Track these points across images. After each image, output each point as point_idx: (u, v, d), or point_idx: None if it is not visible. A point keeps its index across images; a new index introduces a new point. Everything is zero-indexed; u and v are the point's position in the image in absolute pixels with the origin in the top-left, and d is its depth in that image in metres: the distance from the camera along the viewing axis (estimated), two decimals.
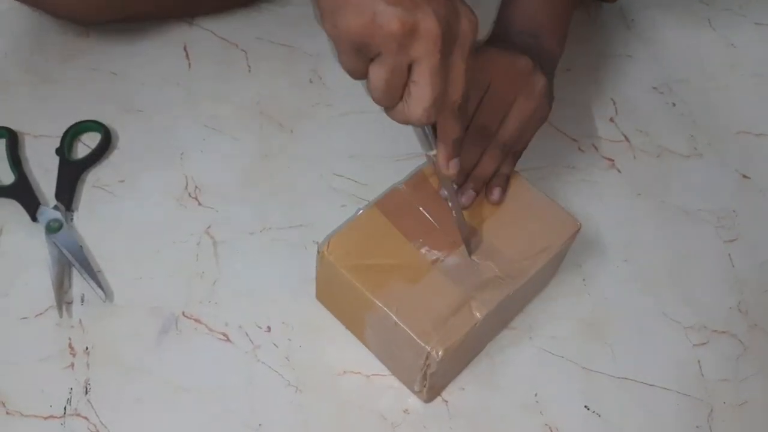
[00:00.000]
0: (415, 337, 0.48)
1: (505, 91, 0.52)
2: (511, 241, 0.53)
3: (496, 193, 0.54)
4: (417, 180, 0.55)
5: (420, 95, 0.41)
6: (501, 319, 0.56)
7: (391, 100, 0.42)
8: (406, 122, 0.43)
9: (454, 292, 0.50)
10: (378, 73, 0.41)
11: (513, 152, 0.55)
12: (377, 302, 0.49)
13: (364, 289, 0.50)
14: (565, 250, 0.56)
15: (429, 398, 0.54)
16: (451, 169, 0.47)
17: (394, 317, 0.49)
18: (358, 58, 0.41)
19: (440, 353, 0.48)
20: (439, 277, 0.51)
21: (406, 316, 0.49)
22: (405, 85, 0.41)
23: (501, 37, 0.60)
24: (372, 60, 0.41)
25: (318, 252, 0.52)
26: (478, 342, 0.55)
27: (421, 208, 0.54)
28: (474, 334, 0.50)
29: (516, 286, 0.51)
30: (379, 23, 0.38)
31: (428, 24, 0.39)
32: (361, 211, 0.53)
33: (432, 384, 0.51)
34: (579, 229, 0.54)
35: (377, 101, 0.42)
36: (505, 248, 0.52)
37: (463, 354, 0.54)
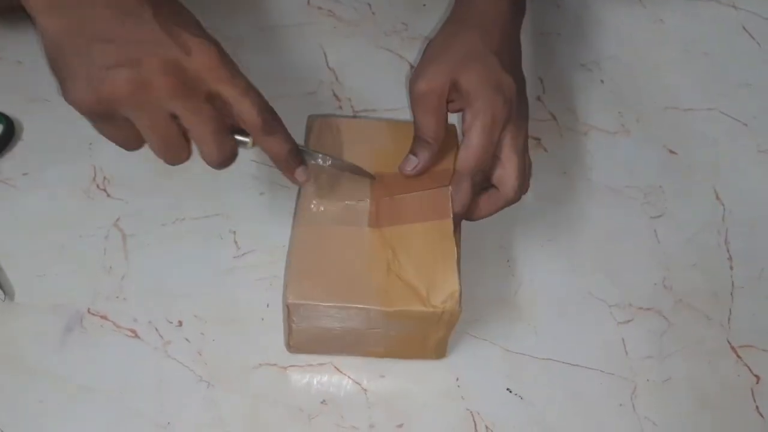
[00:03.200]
0: (288, 273, 0.48)
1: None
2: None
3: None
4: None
5: (202, 138, 0.42)
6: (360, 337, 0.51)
7: (179, 153, 0.43)
8: (214, 166, 0.44)
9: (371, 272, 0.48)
10: (149, 136, 0.42)
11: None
12: (292, 231, 0.50)
13: (295, 213, 0.51)
14: (430, 329, 0.50)
15: (289, 348, 0.53)
16: (301, 177, 0.47)
17: (290, 247, 0.49)
18: (112, 126, 0.42)
19: (289, 299, 0.47)
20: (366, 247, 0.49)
21: (300, 256, 0.49)
22: (184, 135, 0.43)
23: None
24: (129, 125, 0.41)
25: None
26: (348, 333, 0.50)
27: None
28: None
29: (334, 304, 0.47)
30: (106, 89, 0.39)
31: (155, 75, 0.40)
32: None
33: (290, 330, 0.50)
34: (456, 316, 0.48)
35: (170, 160, 0.44)
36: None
37: (332, 332, 0.50)
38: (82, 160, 0.61)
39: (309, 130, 0.56)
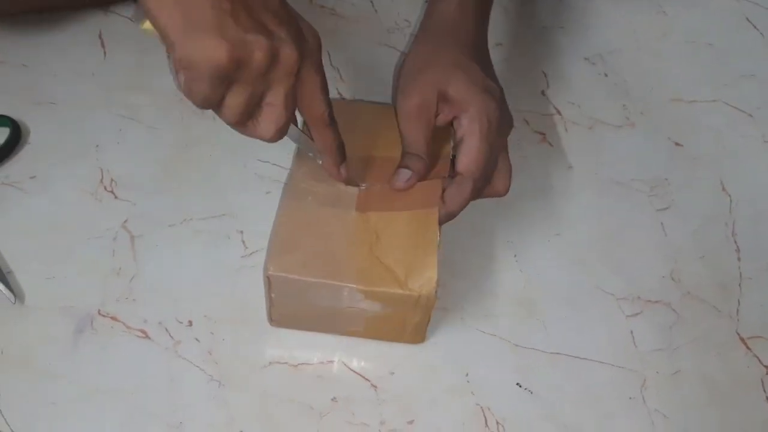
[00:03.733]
0: (271, 245, 0.49)
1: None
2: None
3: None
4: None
5: (274, 116, 0.42)
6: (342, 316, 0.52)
7: (245, 122, 0.42)
8: (257, 138, 0.43)
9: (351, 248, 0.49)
10: (237, 100, 0.40)
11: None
12: (279, 206, 0.51)
13: (284, 191, 0.52)
14: (407, 313, 0.50)
15: (271, 321, 0.54)
16: (343, 173, 0.49)
17: (275, 221, 0.50)
18: (216, 87, 0.39)
19: (270, 270, 0.48)
20: (350, 228, 0.50)
21: (285, 231, 0.50)
22: (258, 105, 0.42)
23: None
24: (228, 87, 0.40)
25: None
26: (328, 310, 0.51)
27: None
28: (305, 293, 0.49)
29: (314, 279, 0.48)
30: (245, 53, 0.38)
31: (287, 50, 0.40)
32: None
33: (270, 302, 0.51)
34: (432, 300, 0.49)
35: (230, 123, 0.42)
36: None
37: (312, 307, 0.51)
38: (89, 162, 0.61)
39: None
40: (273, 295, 0.51)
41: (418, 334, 0.53)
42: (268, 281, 0.49)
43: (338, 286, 0.48)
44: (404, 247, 0.49)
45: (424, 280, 0.48)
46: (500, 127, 0.51)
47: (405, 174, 0.51)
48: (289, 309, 0.52)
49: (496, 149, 0.52)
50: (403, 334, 0.53)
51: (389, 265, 0.49)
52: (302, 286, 0.49)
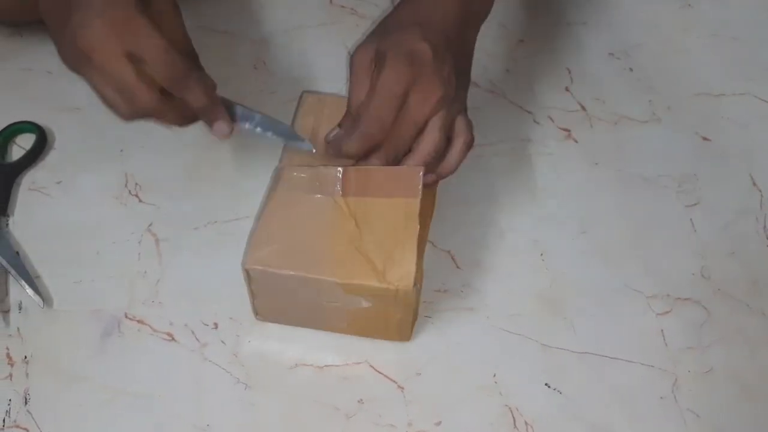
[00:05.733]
0: (251, 237, 0.49)
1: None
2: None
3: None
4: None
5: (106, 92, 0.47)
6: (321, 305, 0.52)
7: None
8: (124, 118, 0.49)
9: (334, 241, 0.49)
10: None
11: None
12: (265, 195, 0.51)
13: (274, 178, 0.52)
14: (388, 308, 0.50)
15: (256, 315, 0.54)
16: (219, 131, 0.51)
17: (258, 213, 0.51)
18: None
19: (247, 264, 0.48)
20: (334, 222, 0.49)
21: (267, 223, 0.49)
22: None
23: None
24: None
25: None
26: (310, 305, 0.51)
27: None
28: (289, 289, 0.49)
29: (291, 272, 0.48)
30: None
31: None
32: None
33: (252, 295, 0.52)
34: (410, 296, 0.48)
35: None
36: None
37: (294, 301, 0.51)
38: (114, 166, 0.62)
39: (298, 105, 0.58)
40: (253, 288, 0.51)
41: (403, 333, 0.53)
42: (247, 275, 0.49)
43: (316, 279, 0.48)
44: (384, 237, 0.48)
45: (403, 273, 0.47)
46: (425, 89, 0.48)
47: (333, 131, 0.52)
48: (272, 302, 0.52)
49: (415, 109, 0.49)
50: (387, 331, 0.53)
51: (368, 255, 0.48)
52: (281, 280, 0.49)
